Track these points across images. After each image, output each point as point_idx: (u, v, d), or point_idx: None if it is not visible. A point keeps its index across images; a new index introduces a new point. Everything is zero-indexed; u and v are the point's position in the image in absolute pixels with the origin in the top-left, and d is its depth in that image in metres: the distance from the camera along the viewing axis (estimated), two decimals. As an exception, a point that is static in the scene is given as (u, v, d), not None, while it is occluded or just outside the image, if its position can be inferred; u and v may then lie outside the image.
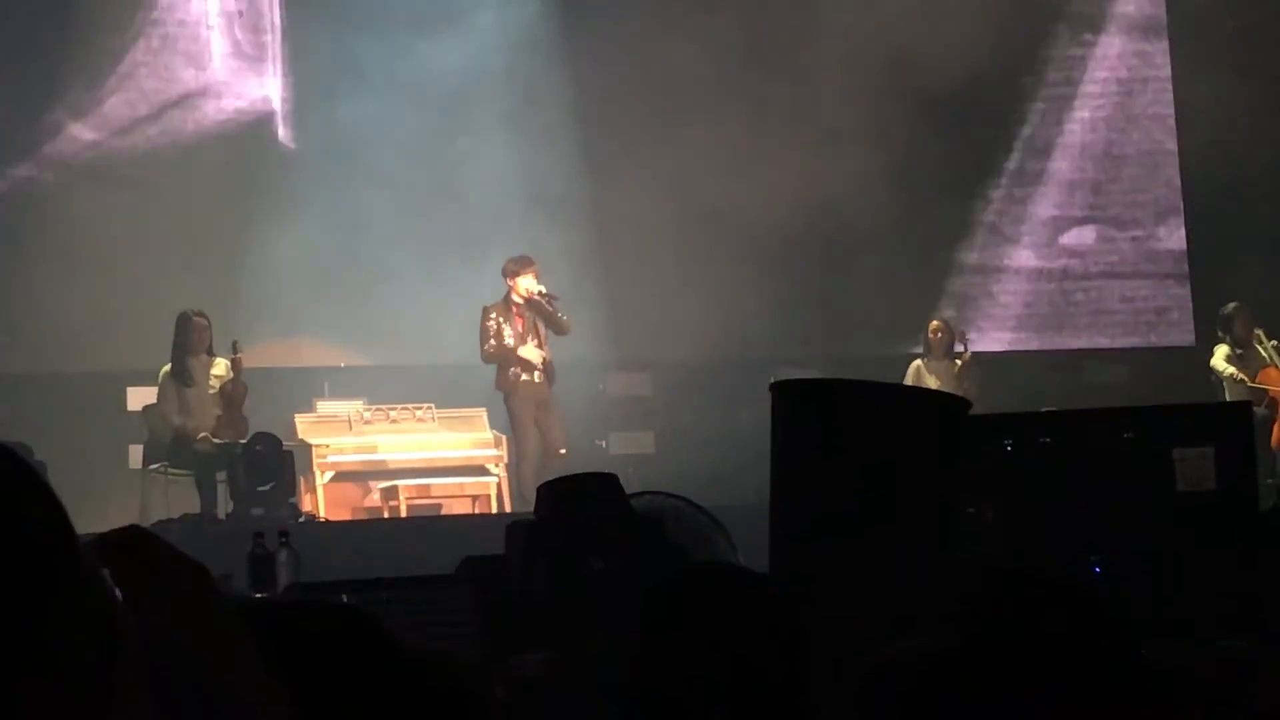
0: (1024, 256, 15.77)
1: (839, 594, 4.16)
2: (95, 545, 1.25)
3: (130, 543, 1.44)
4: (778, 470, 4.30)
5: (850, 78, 14.87)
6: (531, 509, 6.66)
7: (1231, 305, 13.90)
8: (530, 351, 13.00)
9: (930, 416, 4.18)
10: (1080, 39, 16.32)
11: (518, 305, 13.08)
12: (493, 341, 13.05)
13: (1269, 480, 11.71)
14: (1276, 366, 13.64)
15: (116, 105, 14.81)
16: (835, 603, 4.14)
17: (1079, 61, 16.32)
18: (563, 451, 13.09)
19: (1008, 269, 15.47)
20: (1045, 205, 15.91)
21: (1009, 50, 15.23)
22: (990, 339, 14.52)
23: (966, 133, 15.13)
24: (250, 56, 15.30)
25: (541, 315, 13.09)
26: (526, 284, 13.06)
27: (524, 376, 13.02)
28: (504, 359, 13.04)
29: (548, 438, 13.09)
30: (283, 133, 15.21)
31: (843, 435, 4.18)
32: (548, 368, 13.10)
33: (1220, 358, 13.74)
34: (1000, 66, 15.09)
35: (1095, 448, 6.11)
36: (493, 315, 13.08)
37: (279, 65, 15.30)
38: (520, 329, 13.06)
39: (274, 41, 15.33)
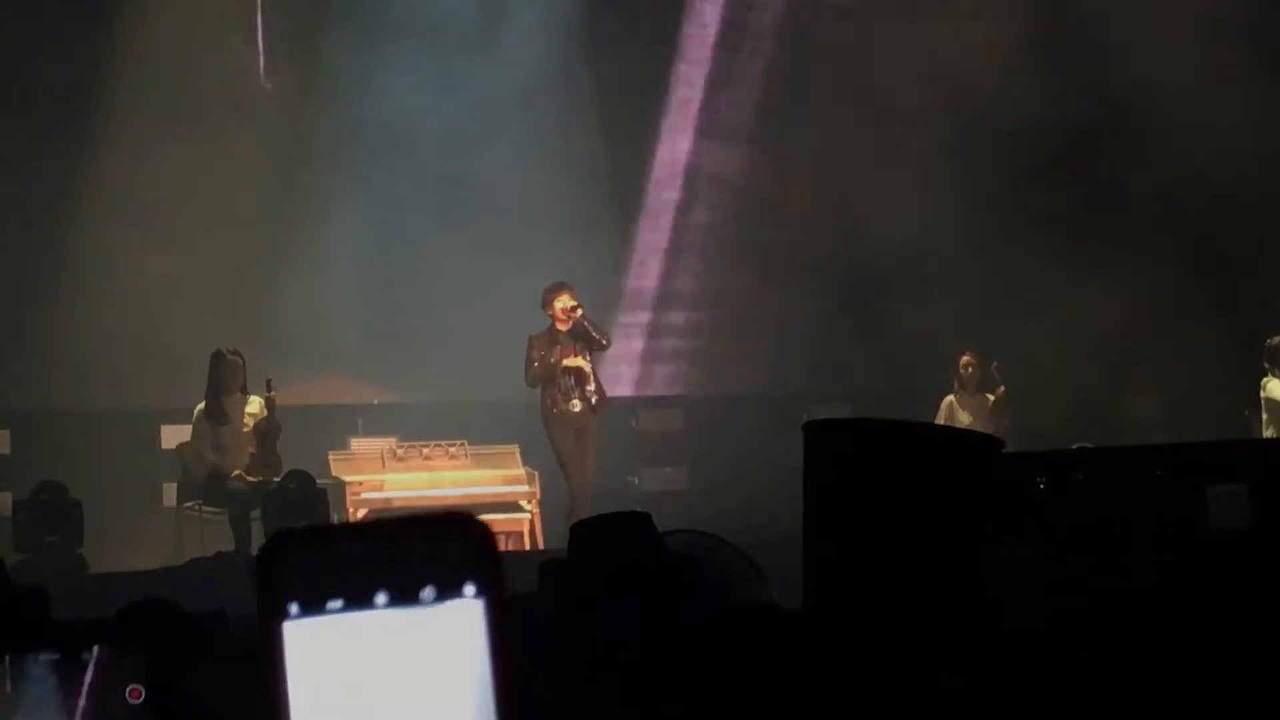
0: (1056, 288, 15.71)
1: (873, 632, 4.16)
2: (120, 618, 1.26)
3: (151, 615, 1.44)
4: (810, 510, 4.30)
5: (887, 112, 14.89)
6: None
7: (1277, 338, 13.78)
8: (575, 360, 12.96)
9: (962, 456, 4.18)
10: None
11: (560, 332, 13.09)
12: (536, 365, 13.05)
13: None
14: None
15: (152, 141, 14.89)
16: (869, 641, 4.15)
17: (1118, 91, 16.27)
18: (588, 479, 13.09)
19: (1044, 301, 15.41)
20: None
21: (1053, 81, 15.19)
22: (1023, 374, 14.46)
23: (1003, 163, 15.10)
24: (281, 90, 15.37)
25: (582, 334, 13.09)
26: (563, 304, 13.06)
27: (561, 405, 13.02)
28: (548, 377, 13.00)
29: (585, 464, 13.10)
30: (315, 171, 15.27)
31: (875, 475, 4.19)
32: (589, 395, 13.05)
33: (1269, 393, 13.60)
34: (1044, 98, 15.06)
35: (1128, 484, 6.10)
36: (536, 344, 13.08)
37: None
38: (562, 357, 13.03)
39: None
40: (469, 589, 1.15)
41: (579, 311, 13.02)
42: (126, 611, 3.38)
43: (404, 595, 1.15)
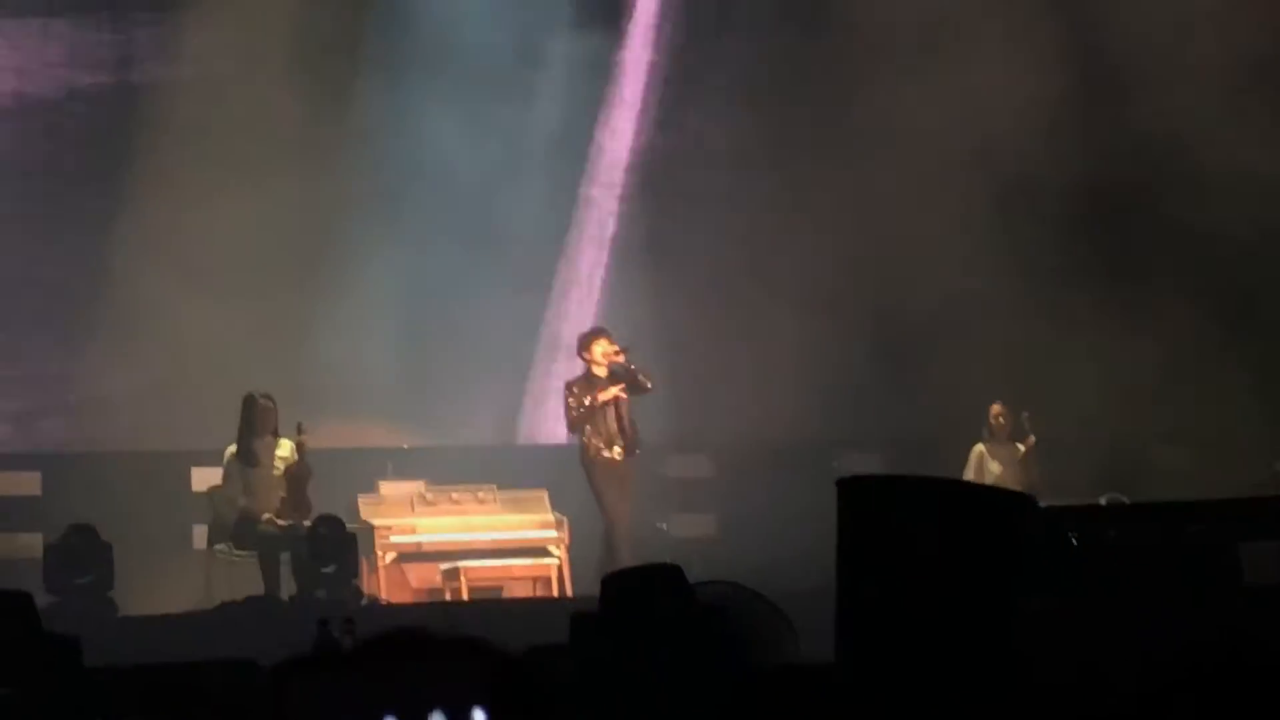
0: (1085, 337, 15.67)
1: (905, 687, 4.16)
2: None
3: None
4: (843, 566, 4.30)
5: (927, 161, 14.88)
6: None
7: None
8: (610, 391, 12.93)
9: (995, 514, 4.18)
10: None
11: (598, 377, 13.07)
12: (575, 410, 13.01)
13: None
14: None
15: (191, 189, 14.96)
16: (901, 696, 4.14)
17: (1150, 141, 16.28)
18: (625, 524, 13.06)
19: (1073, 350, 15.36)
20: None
21: (1087, 132, 15.21)
22: (1054, 423, 14.42)
23: (1033, 213, 15.09)
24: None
25: (622, 377, 13.06)
26: (602, 350, 13.04)
27: (604, 452, 13.01)
28: (588, 420, 12.98)
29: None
30: (348, 216, 15.32)
31: (908, 532, 4.19)
32: (629, 441, 13.04)
33: None
34: (1074, 148, 15.05)
35: (1161, 541, 6.08)
36: (574, 389, 13.07)
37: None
38: (601, 403, 13.00)
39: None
40: (478, 716, 1.15)
41: (622, 356, 13.02)
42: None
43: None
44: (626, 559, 11.83)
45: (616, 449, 13.01)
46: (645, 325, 13.86)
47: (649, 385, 13.05)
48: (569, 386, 13.12)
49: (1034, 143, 14.77)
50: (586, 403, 12.96)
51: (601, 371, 13.03)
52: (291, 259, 14.88)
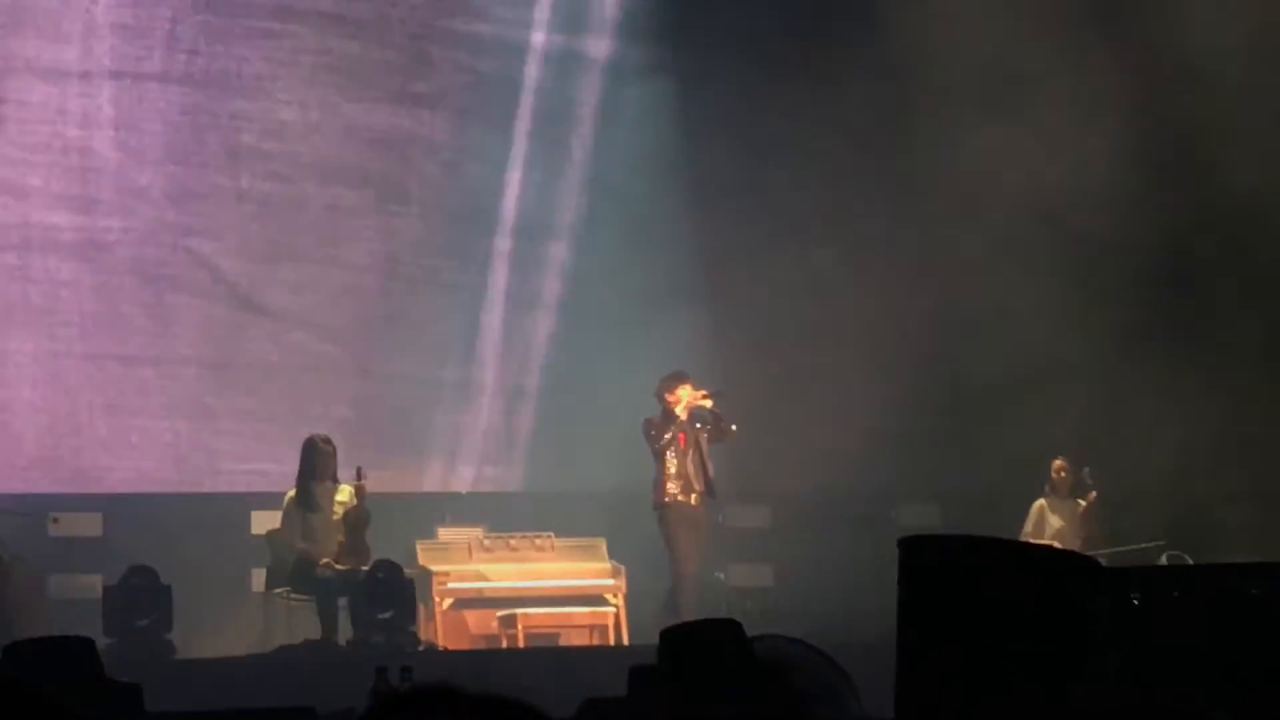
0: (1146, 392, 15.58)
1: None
2: None
3: None
4: (904, 627, 4.28)
5: (994, 218, 14.85)
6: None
7: None
8: (694, 499, 12.95)
9: (1060, 578, 4.16)
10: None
11: (678, 419, 13.03)
12: (657, 445, 12.97)
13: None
14: None
15: (233, 229, 15.08)
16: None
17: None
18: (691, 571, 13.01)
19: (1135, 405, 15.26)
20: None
21: (1142, 195, 15.16)
22: (1117, 477, 14.33)
23: (1097, 268, 15.04)
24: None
25: (705, 422, 12.99)
26: (688, 393, 12.98)
27: (680, 497, 12.97)
28: (666, 463, 12.95)
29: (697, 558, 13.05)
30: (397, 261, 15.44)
31: (969, 593, 4.17)
32: (708, 485, 13.01)
33: None
34: (1136, 211, 15.00)
35: (1224, 602, 6.04)
36: (654, 429, 13.04)
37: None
38: (682, 445, 13.01)
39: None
40: None
41: (709, 401, 12.95)
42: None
43: None
44: (692, 610, 11.82)
45: (694, 495, 12.98)
46: (704, 373, 13.83)
47: (734, 432, 13.01)
48: (648, 424, 13.08)
49: (1106, 198, 14.72)
50: (669, 456, 12.92)
51: (681, 414, 12.99)
52: (357, 304, 14.98)
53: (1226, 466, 14.99)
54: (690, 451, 12.97)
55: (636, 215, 15.16)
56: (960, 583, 4.11)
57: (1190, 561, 13.07)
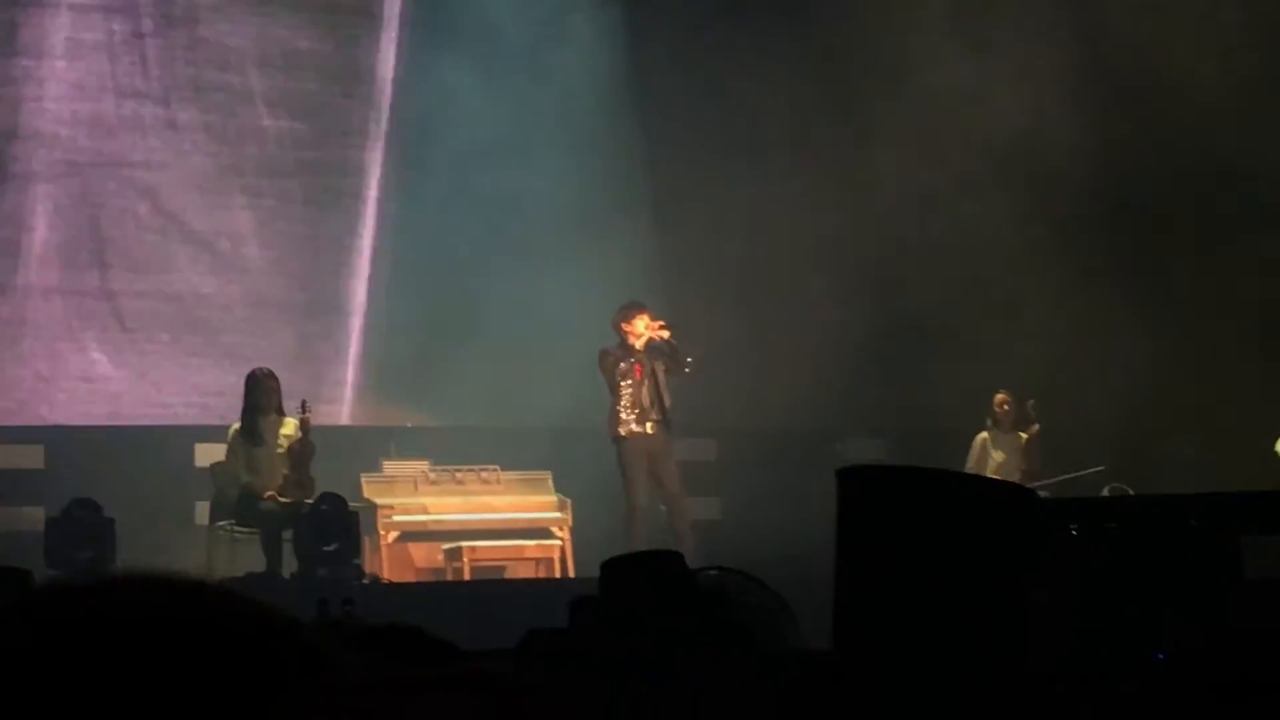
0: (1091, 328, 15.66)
1: (901, 678, 4.16)
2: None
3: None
4: (842, 556, 4.30)
5: (922, 145, 14.89)
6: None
7: None
8: (649, 425, 12.84)
9: (997, 508, 4.17)
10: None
11: (635, 351, 12.92)
12: (612, 376, 12.88)
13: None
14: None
15: (186, 168, 14.96)
16: (898, 686, 4.14)
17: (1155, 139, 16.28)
18: (678, 494, 12.96)
19: (1080, 340, 15.32)
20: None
21: (1094, 126, 15.19)
22: (1053, 410, 14.40)
23: (1042, 204, 15.07)
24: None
25: (663, 354, 12.92)
26: (645, 324, 12.88)
27: (635, 427, 12.91)
28: (621, 393, 12.87)
29: (666, 486, 12.95)
30: (351, 194, 15.34)
31: (908, 525, 4.18)
32: (665, 414, 12.94)
33: None
34: (1080, 142, 15.03)
35: (1162, 534, 6.08)
36: (607, 360, 12.94)
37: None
38: (638, 376, 12.92)
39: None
40: None
41: (666, 332, 12.92)
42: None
43: None
44: (642, 543, 11.84)
45: (650, 424, 12.92)
46: (651, 308, 13.82)
47: (691, 365, 12.93)
48: (605, 354, 12.97)
49: (1046, 136, 14.74)
50: (625, 386, 12.84)
51: (639, 345, 12.92)
52: (301, 237, 14.88)
53: (1170, 401, 15.08)
54: (647, 382, 12.90)
55: (584, 141, 15.08)
56: (898, 513, 4.12)
57: (1131, 494, 13.15)
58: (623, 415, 12.86)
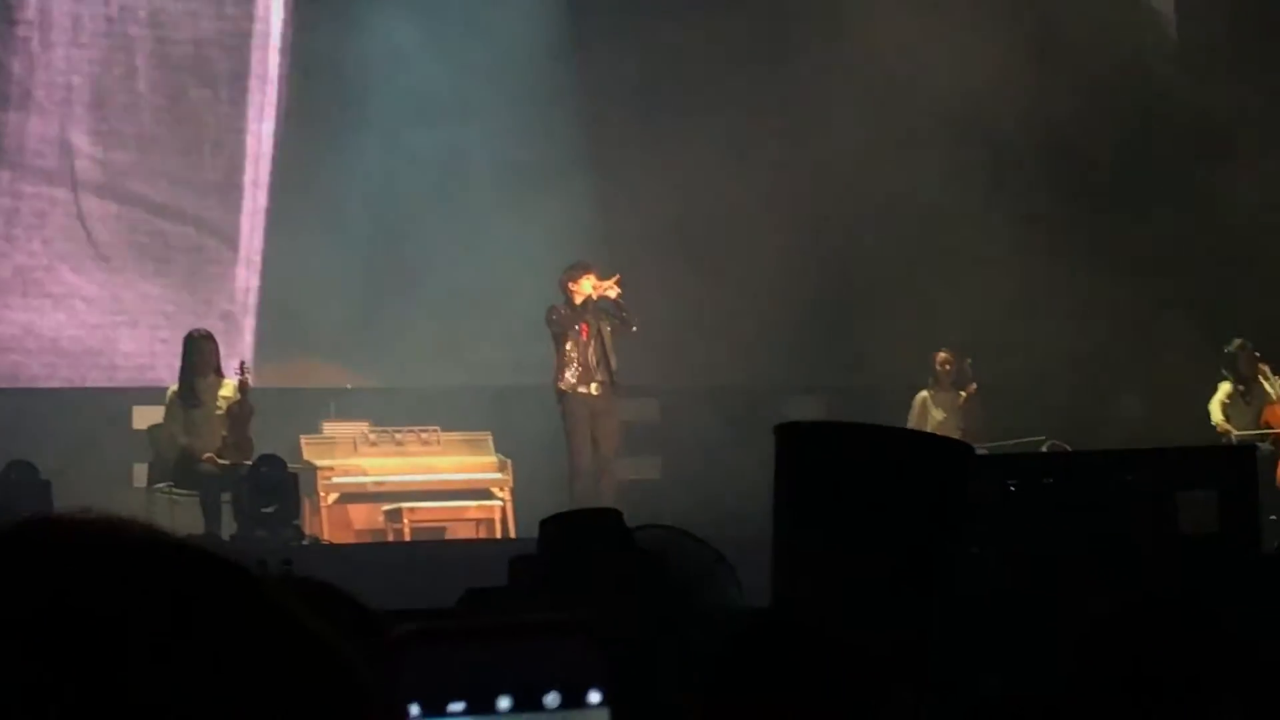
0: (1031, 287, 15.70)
1: (838, 634, 4.17)
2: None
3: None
4: (779, 511, 4.30)
5: (864, 103, 14.89)
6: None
7: (1235, 342, 13.83)
8: (593, 387, 12.82)
9: (934, 462, 4.18)
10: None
11: (581, 309, 12.87)
12: (569, 344, 12.84)
13: (1272, 517, 11.68)
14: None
15: (123, 120, 14.84)
16: (835, 643, 4.15)
17: (1091, 90, 16.32)
18: (611, 459, 12.96)
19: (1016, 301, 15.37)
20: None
21: (1027, 77, 15.23)
22: (998, 370, 14.45)
23: (982, 161, 15.10)
24: (256, 75, 15.31)
25: (608, 316, 12.89)
26: (591, 283, 12.83)
27: (580, 388, 12.88)
28: (566, 352, 12.82)
29: (603, 448, 12.91)
30: (284, 150, 15.23)
31: (845, 480, 4.19)
32: (610, 374, 12.89)
33: (1219, 399, 13.70)
34: (1020, 96, 15.07)
35: (1098, 490, 6.11)
36: (554, 317, 12.89)
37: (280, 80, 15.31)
38: (584, 335, 12.87)
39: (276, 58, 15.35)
40: (594, 697, 1.13)
41: (613, 291, 12.87)
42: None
43: (527, 701, 1.13)
44: (587, 501, 11.85)
45: (594, 384, 12.89)
46: (593, 267, 13.80)
47: (635, 326, 12.90)
48: (552, 311, 12.91)
49: (988, 94, 14.77)
50: (569, 347, 12.80)
51: (584, 304, 12.87)
52: (236, 196, 14.80)
53: (1108, 360, 15.17)
54: (592, 342, 12.86)
55: (523, 98, 15.00)
56: (835, 468, 4.13)
57: (1069, 450, 13.22)
58: (566, 375, 12.83)
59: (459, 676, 1.12)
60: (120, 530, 1.04)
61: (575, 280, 12.87)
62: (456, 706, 1.12)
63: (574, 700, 1.12)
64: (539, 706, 1.12)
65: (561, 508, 6.96)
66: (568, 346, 12.82)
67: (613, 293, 12.81)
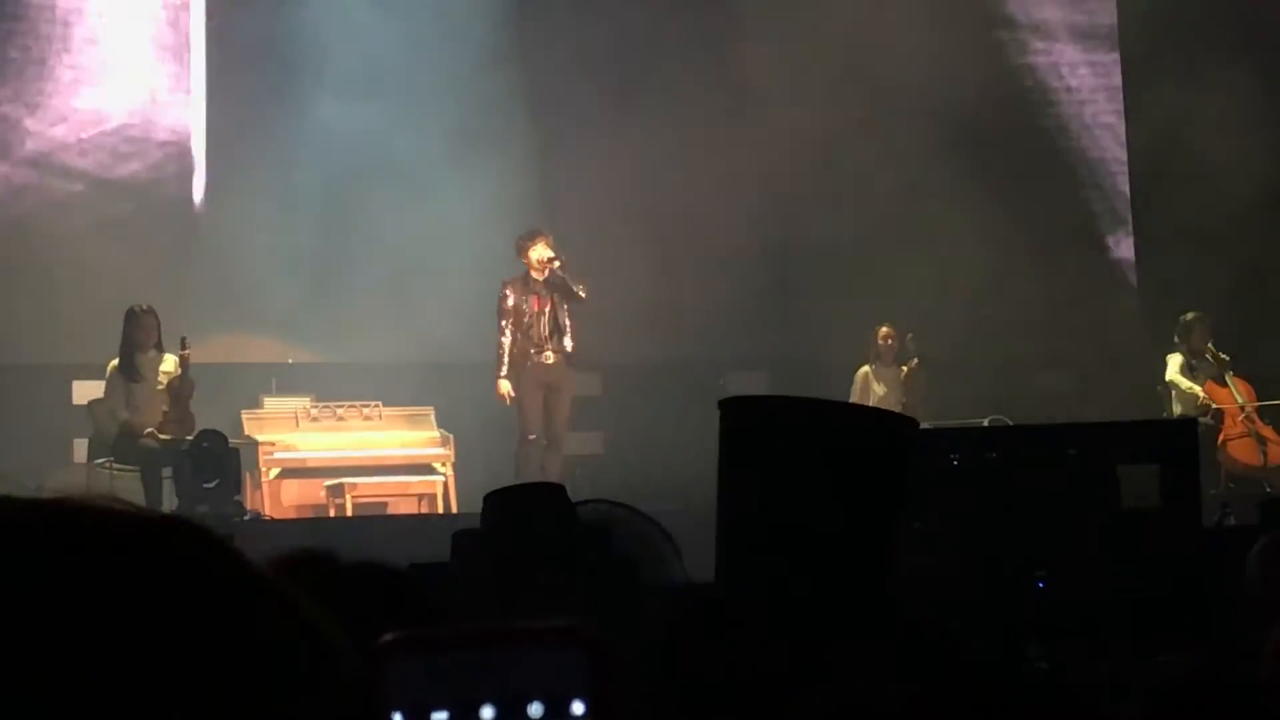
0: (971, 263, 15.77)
1: (781, 608, 4.17)
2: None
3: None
4: (723, 486, 4.30)
5: (806, 81, 14.91)
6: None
7: (1190, 315, 13.86)
8: (546, 355, 12.77)
9: (877, 435, 4.19)
10: (1032, 48, 16.40)
11: (535, 280, 12.84)
12: (506, 324, 12.76)
13: (1212, 492, 11.76)
14: (1225, 380, 13.65)
15: (61, 94, 14.71)
16: (779, 616, 4.15)
17: (1030, 71, 16.40)
18: (560, 436, 12.91)
19: (958, 277, 15.42)
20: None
21: (967, 59, 15.29)
22: (940, 345, 14.50)
23: (922, 140, 15.14)
24: (175, 46, 15.17)
25: (559, 285, 12.82)
26: (538, 255, 12.78)
27: (534, 357, 12.80)
28: (518, 322, 12.74)
29: (555, 420, 12.88)
30: (225, 121, 15.10)
31: (789, 453, 4.19)
32: (564, 346, 12.84)
33: (1175, 369, 13.74)
34: (958, 75, 15.12)
35: (1040, 463, 6.14)
36: (509, 292, 12.82)
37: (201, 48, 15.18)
38: (537, 306, 12.82)
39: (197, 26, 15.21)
40: (577, 708, 1.12)
41: (556, 263, 12.81)
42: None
43: (511, 710, 1.12)
44: (533, 475, 11.83)
45: (547, 353, 12.82)
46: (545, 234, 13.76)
47: (583, 295, 12.81)
48: (505, 285, 12.86)
49: (922, 67, 14.81)
50: (525, 319, 12.74)
51: (539, 275, 12.82)
52: (176, 169, 14.69)
53: (1049, 333, 15.24)
54: (545, 313, 12.83)
55: (464, 69, 14.91)
56: (778, 443, 4.13)
57: (1011, 424, 13.26)
58: (520, 346, 12.76)
59: (442, 685, 1.11)
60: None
61: (524, 251, 12.82)
62: (440, 716, 1.11)
63: (558, 711, 1.12)
64: (523, 716, 1.11)
65: (504, 482, 6.97)
66: (518, 318, 12.75)
67: (555, 264, 12.78)
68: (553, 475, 12.10)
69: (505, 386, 12.84)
